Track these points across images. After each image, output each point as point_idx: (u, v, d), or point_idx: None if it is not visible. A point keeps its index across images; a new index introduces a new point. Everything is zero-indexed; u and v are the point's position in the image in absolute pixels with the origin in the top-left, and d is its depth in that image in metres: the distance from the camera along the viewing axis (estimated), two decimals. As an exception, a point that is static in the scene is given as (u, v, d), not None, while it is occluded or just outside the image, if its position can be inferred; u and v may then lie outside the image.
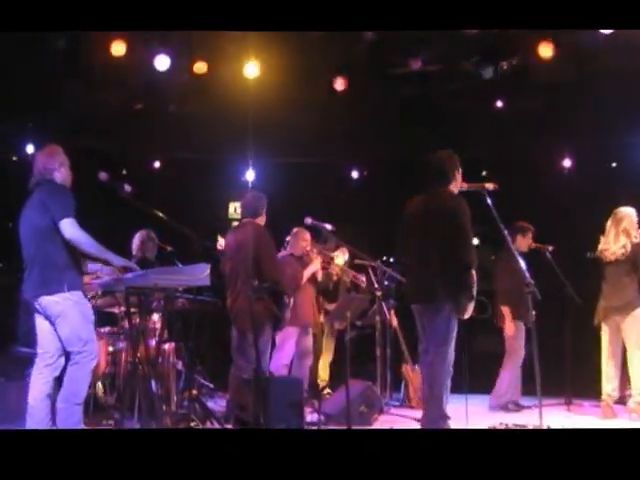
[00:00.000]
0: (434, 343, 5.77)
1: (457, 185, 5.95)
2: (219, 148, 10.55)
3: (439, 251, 5.72)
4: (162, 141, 10.57)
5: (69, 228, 5.09)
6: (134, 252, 7.76)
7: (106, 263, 5.46)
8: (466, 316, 5.77)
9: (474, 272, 5.71)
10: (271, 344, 6.92)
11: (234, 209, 11.33)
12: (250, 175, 11.05)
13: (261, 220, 6.88)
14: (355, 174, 11.68)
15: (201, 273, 5.43)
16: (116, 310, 7.15)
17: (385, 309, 8.70)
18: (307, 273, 8.12)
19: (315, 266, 8.21)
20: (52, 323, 5.24)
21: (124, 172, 10.11)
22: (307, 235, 8.26)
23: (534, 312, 5.86)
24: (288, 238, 8.31)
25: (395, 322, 8.83)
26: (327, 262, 8.49)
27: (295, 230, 8.29)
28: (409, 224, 6.02)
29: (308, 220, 7.85)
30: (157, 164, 11.21)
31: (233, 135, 9.72)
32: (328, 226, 8.16)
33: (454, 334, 5.73)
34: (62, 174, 5.39)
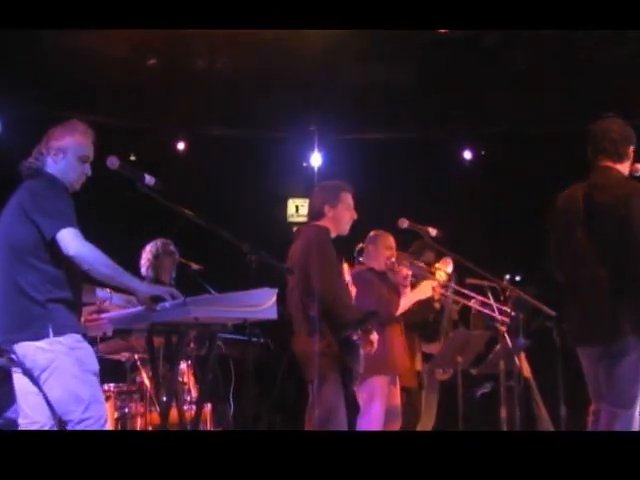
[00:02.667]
0: (611, 401, 5.53)
1: (628, 167, 5.87)
2: (270, 122, 10.64)
3: (614, 264, 5.52)
4: (187, 112, 10.59)
5: (72, 241, 4.91)
6: (143, 271, 7.86)
7: (119, 290, 5.41)
8: None
9: None
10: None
11: (295, 208, 11.52)
12: (316, 159, 11.17)
13: (327, 220, 6.69)
14: (468, 154, 11.62)
15: (264, 302, 5.25)
16: (123, 358, 7.33)
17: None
18: (409, 300, 7.78)
19: (424, 291, 7.89)
20: (35, 381, 5.02)
21: (132, 157, 10.13)
22: (391, 241, 7.92)
23: None
24: (361, 245, 7.99)
25: (527, 370, 8.64)
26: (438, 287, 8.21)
27: (373, 234, 7.97)
28: (564, 226, 5.86)
29: (404, 222, 7.23)
30: (181, 145, 11.32)
31: (290, 103, 9.88)
32: (432, 230, 7.50)
33: None
34: (59, 164, 5.17)
